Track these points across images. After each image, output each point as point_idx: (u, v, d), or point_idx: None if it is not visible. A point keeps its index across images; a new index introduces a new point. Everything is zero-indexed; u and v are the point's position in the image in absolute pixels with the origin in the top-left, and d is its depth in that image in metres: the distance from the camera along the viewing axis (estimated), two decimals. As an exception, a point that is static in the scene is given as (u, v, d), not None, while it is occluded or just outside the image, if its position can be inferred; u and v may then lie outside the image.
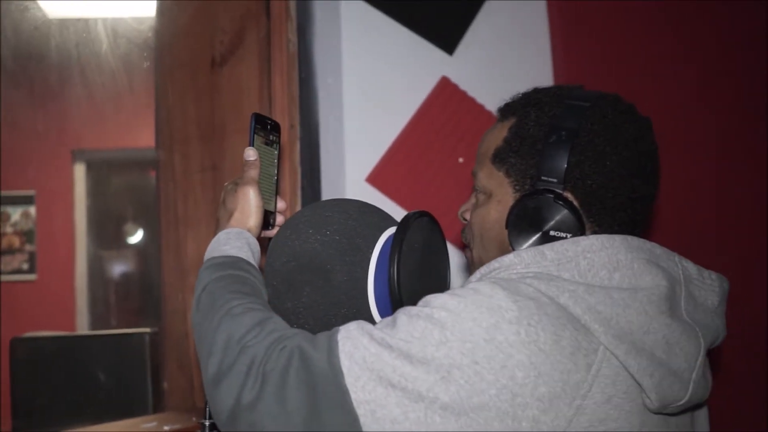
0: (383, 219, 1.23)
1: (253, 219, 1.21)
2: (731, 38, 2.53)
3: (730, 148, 2.50)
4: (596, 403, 0.95)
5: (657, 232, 2.31)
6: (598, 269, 1.01)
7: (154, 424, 1.86)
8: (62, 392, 2.23)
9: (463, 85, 2.21)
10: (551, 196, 1.07)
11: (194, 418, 1.22)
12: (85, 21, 2.57)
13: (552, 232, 1.07)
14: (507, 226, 1.11)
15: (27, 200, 4.78)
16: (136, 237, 5.08)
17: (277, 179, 1.30)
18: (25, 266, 4.79)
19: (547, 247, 1.04)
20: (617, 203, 1.10)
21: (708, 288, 1.11)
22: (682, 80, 2.47)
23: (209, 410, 1.19)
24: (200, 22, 2.09)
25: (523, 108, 1.16)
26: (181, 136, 2.09)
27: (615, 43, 2.43)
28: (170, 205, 2.09)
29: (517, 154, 1.13)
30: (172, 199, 2.09)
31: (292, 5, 2.04)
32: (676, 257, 1.10)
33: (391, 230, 1.20)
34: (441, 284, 1.24)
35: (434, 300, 0.98)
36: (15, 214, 4.77)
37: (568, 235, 1.06)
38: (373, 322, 1.03)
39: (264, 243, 1.25)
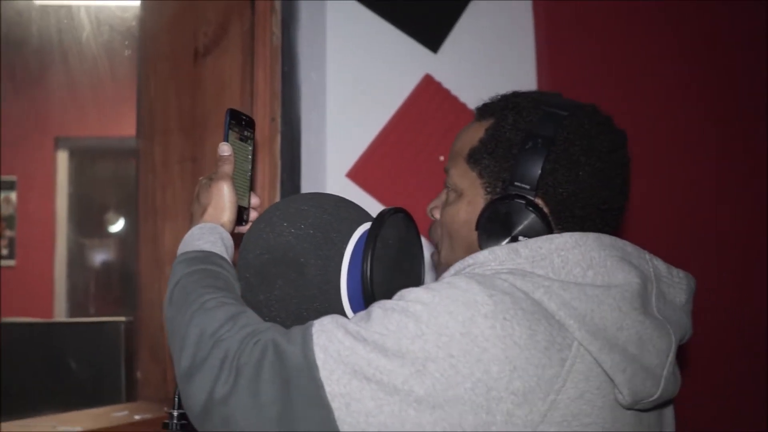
0: (359, 214, 1.23)
1: (227, 214, 1.21)
2: (724, 38, 2.53)
3: (730, 148, 2.51)
4: (570, 398, 0.96)
5: (657, 232, 2.32)
6: (572, 266, 1.03)
7: (125, 413, 1.85)
8: (36, 379, 2.22)
9: (447, 84, 2.22)
10: (523, 202, 1.09)
11: (166, 409, 1.22)
12: (68, 8, 2.56)
13: (521, 238, 1.09)
14: (477, 228, 1.12)
15: (8, 186, 4.76)
16: (117, 226, 5.06)
17: (252, 175, 1.30)
18: (5, 252, 4.77)
19: (521, 245, 1.05)
20: (587, 213, 1.12)
21: (677, 286, 1.12)
22: (667, 80, 2.48)
23: (180, 402, 1.19)
24: (185, 12, 2.08)
25: (501, 110, 1.17)
26: (162, 127, 2.09)
27: (602, 45, 2.44)
28: (149, 196, 2.09)
29: (492, 156, 1.14)
30: (151, 190, 2.08)
31: (277, -2, 2.04)
32: (647, 255, 1.11)
33: (366, 226, 1.20)
34: (414, 281, 1.24)
35: (409, 294, 0.99)
36: (-5, 199, 4.75)
37: None
38: (345, 316, 1.03)
39: (237, 238, 1.25)
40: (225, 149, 1.25)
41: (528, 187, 1.09)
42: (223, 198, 1.21)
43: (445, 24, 2.25)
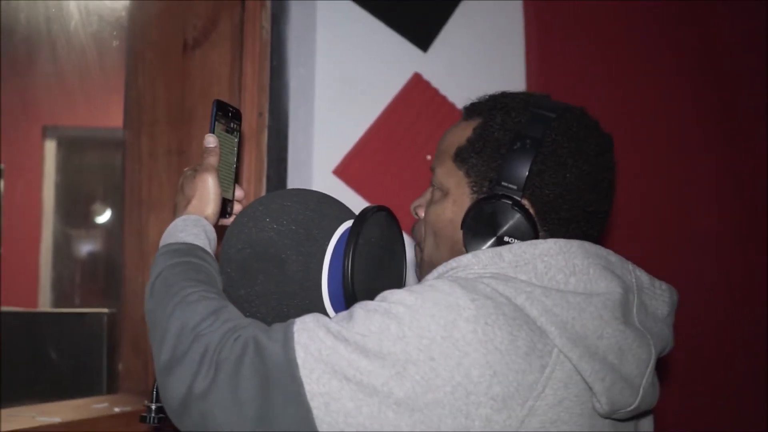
0: (342, 212, 1.23)
1: (211, 207, 1.21)
2: (720, 38, 2.54)
3: (730, 148, 2.52)
4: (548, 405, 0.96)
5: (657, 232, 2.33)
6: (554, 273, 1.03)
7: (105, 405, 1.85)
8: (17, 368, 2.21)
9: (435, 83, 2.22)
10: (509, 202, 1.09)
11: (146, 401, 1.21)
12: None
13: (506, 238, 1.09)
14: (462, 227, 1.12)
15: (-5, 174, 4.73)
16: (104, 217, 5.03)
17: (237, 167, 1.30)
18: (-10, 240, 4.74)
19: (504, 249, 1.06)
20: (572, 215, 1.12)
21: (659, 298, 1.13)
22: (659, 80, 2.48)
23: (158, 395, 1.18)
24: (174, 4, 2.07)
25: (489, 110, 1.17)
26: (150, 118, 2.08)
27: (592, 45, 2.44)
28: (135, 187, 2.08)
29: (480, 155, 1.14)
30: (137, 181, 2.07)
31: (268, -8, 2.03)
32: (630, 266, 1.12)
33: (349, 223, 1.20)
34: (396, 280, 1.24)
35: (391, 295, 0.99)
36: (-19, 187, 4.71)
37: None
38: (326, 314, 1.03)
39: (221, 231, 1.25)
40: (210, 141, 1.24)
41: (515, 187, 1.10)
42: (207, 190, 1.20)
43: (435, 23, 2.25)
